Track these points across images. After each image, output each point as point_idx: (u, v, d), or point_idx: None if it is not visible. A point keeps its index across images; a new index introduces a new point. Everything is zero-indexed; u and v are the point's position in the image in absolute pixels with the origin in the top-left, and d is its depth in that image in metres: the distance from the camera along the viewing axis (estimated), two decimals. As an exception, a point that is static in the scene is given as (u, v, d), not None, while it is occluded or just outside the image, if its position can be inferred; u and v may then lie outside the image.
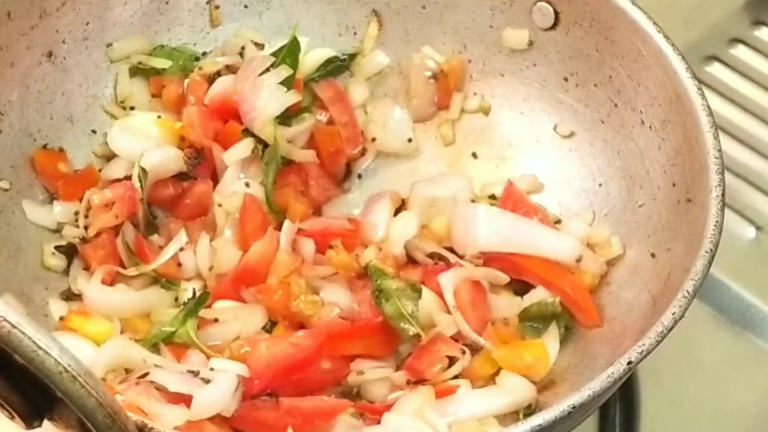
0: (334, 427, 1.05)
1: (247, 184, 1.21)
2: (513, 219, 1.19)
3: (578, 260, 1.17)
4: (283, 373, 1.07)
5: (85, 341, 1.09)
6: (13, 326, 0.67)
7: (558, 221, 1.24)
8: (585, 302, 1.16)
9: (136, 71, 1.29)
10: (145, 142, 1.23)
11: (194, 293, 1.16)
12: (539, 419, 0.91)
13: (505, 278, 1.17)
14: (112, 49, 1.28)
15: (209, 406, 1.00)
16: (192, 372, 1.03)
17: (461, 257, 1.18)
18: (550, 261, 1.17)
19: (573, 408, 0.91)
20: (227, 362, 1.06)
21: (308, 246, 1.19)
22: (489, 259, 1.18)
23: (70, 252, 1.19)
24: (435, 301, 1.14)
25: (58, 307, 1.15)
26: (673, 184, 1.13)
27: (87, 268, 1.18)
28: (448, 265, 1.16)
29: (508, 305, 1.17)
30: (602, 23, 1.20)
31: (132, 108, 1.28)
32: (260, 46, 1.30)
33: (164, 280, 1.18)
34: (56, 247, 1.19)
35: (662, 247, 1.12)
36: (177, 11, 1.31)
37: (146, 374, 1.01)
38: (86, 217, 1.18)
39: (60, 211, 1.21)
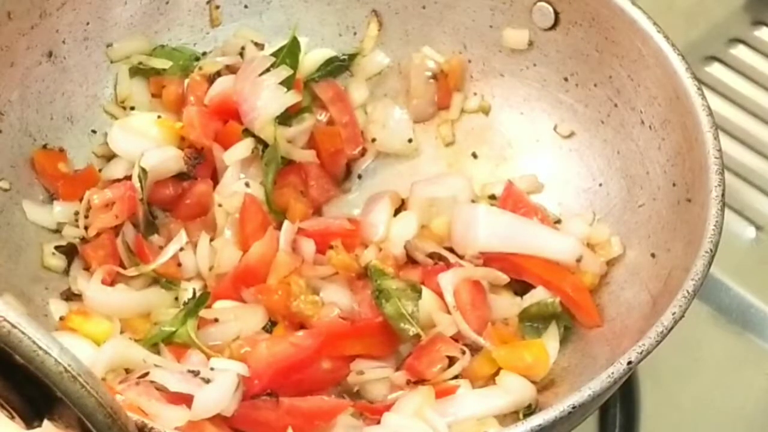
0: (334, 427, 1.05)
1: (247, 184, 1.21)
2: (513, 219, 1.19)
3: (578, 260, 1.17)
4: (283, 373, 1.07)
5: (85, 341, 1.09)
6: (13, 326, 0.67)
7: (558, 221, 1.24)
8: (585, 302, 1.15)
9: (136, 71, 1.29)
10: (145, 142, 1.23)
11: (194, 293, 1.16)
12: (539, 419, 0.91)
13: (505, 278, 1.17)
14: (112, 49, 1.28)
15: (210, 405, 1.00)
16: (192, 372, 1.03)
17: (461, 257, 1.18)
18: (550, 261, 1.17)
19: (573, 408, 0.91)
20: (227, 362, 1.07)
21: (308, 246, 1.19)
22: (489, 259, 1.18)
23: (70, 252, 1.19)
24: (435, 301, 1.14)
25: (58, 307, 1.15)
26: (673, 184, 1.13)
27: (87, 268, 1.18)
28: (448, 265, 1.16)
29: (508, 305, 1.17)
30: (602, 23, 1.20)
31: (132, 108, 1.28)
32: (260, 46, 1.30)
33: (164, 280, 1.18)
34: (56, 247, 1.19)
35: (662, 247, 1.12)
36: (177, 11, 1.31)
37: (146, 374, 1.01)
38: (86, 217, 1.18)
39: (60, 211, 1.21)
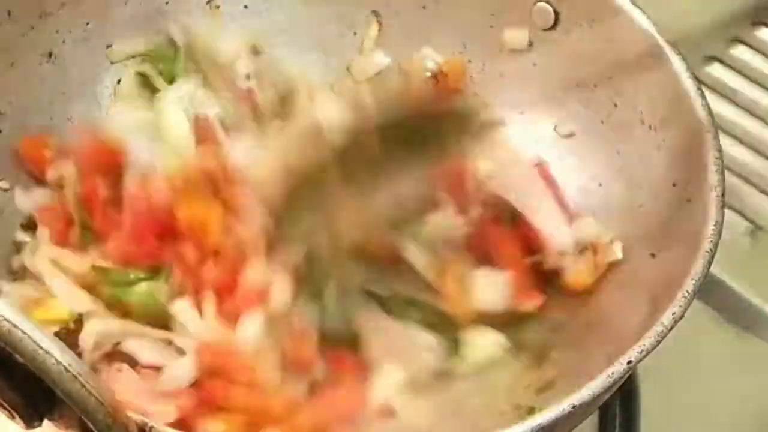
0: None
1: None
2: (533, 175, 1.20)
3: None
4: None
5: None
6: (14, 325, 0.67)
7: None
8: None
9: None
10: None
11: None
12: (539, 419, 0.90)
13: None
14: (112, 50, 1.28)
15: (180, 377, 1.00)
16: (166, 341, 1.03)
17: None
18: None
19: (573, 407, 0.91)
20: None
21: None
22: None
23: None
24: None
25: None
26: (673, 184, 1.13)
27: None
28: None
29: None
30: (602, 23, 1.20)
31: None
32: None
33: None
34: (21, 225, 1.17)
35: (662, 247, 1.12)
36: (177, 12, 1.31)
37: (119, 344, 1.01)
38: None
39: (42, 193, 1.19)
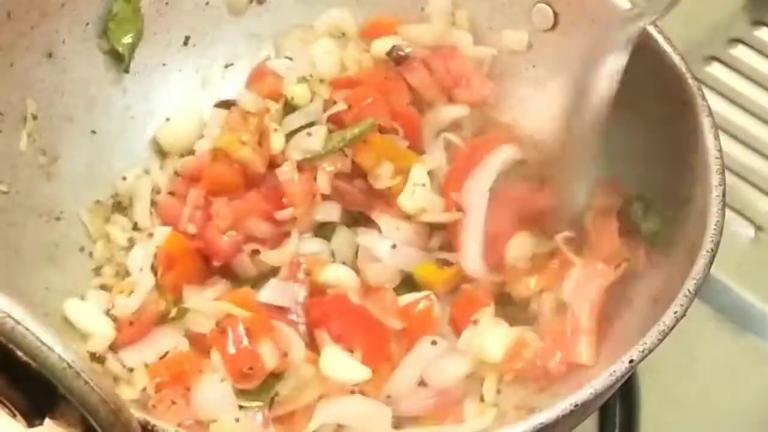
0: None
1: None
2: None
3: None
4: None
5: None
6: (17, 322, 0.67)
7: None
8: None
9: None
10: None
11: None
12: (541, 417, 0.91)
13: None
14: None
15: None
16: None
17: None
18: None
19: (575, 406, 0.91)
20: None
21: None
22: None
23: None
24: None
25: None
26: (674, 185, 1.13)
27: None
28: None
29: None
30: (602, 24, 1.20)
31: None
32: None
33: None
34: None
35: (663, 248, 1.12)
36: (176, 12, 1.31)
37: None
38: None
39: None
